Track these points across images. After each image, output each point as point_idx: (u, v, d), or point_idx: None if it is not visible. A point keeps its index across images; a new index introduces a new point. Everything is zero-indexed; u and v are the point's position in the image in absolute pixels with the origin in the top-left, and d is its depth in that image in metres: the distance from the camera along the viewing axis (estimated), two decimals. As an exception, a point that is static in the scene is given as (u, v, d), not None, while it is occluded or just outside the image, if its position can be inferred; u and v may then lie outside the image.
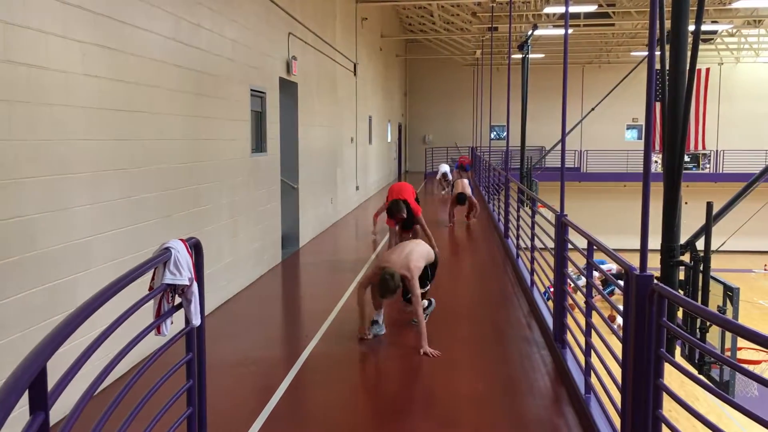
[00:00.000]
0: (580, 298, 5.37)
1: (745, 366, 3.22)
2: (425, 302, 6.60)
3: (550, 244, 6.55)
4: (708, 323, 6.82)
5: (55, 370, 1.89)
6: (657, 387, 3.16)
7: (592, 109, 22.70)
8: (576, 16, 22.53)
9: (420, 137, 35.64)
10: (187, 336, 3.25)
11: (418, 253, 6.26)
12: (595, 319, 4.61)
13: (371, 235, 12.52)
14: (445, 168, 20.81)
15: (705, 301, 7.02)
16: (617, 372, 3.69)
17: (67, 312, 3.99)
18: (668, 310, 3.19)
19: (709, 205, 7.06)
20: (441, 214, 15.19)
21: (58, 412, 2.21)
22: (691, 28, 6.81)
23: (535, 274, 7.86)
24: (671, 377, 4.71)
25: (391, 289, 5.74)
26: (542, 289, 7.64)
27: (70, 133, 4.53)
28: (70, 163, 4.54)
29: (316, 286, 9.01)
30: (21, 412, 1.76)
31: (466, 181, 14.53)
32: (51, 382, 1.84)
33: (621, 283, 3.70)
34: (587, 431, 4.20)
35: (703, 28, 11.94)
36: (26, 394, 1.70)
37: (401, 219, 9.20)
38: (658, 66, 7.31)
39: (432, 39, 30.60)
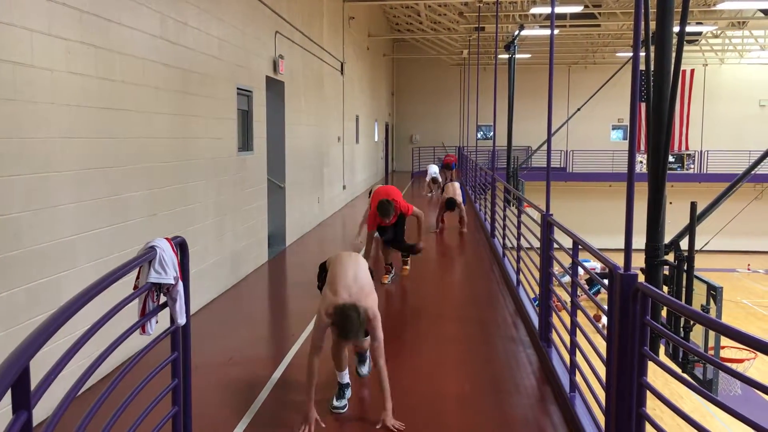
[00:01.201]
0: (565, 297, 5.40)
1: (728, 364, 3.25)
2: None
3: (536, 244, 6.57)
4: (692, 322, 6.88)
5: (38, 369, 1.88)
6: (641, 385, 3.19)
7: (578, 109, 22.82)
8: (562, 16, 22.63)
9: (407, 137, 35.66)
10: (172, 335, 3.24)
11: (369, 285, 4.50)
12: (581, 318, 4.64)
13: (357, 241, 12.17)
14: (434, 169, 19.62)
15: (689, 300, 7.08)
16: (602, 370, 3.71)
17: (51, 311, 3.97)
18: (652, 309, 3.21)
19: (693, 205, 7.12)
20: (428, 218, 14.70)
21: (42, 411, 2.20)
22: (676, 29, 6.87)
23: (521, 273, 7.89)
24: (655, 376, 4.75)
25: (355, 327, 4.12)
26: (528, 289, 7.66)
27: (55, 131, 4.50)
28: (55, 161, 4.51)
29: (303, 286, 9.00)
30: (4, 411, 1.75)
31: (457, 185, 13.25)
32: (34, 381, 1.82)
33: (606, 281, 3.73)
34: (572, 430, 4.22)
35: (688, 29, 12.03)
36: (9, 393, 1.69)
37: (388, 223, 8.16)
38: (642, 67, 7.35)
39: (419, 39, 30.63)
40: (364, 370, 5.07)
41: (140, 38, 5.71)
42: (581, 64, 33.89)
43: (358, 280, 4.39)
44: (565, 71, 33.40)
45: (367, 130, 22.95)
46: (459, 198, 12.82)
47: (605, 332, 3.62)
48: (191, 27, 6.87)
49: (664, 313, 7.25)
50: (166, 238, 3.11)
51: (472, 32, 23.51)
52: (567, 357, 4.68)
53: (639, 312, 3.19)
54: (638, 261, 4.68)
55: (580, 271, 4.78)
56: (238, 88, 8.47)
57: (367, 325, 4.30)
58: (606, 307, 3.59)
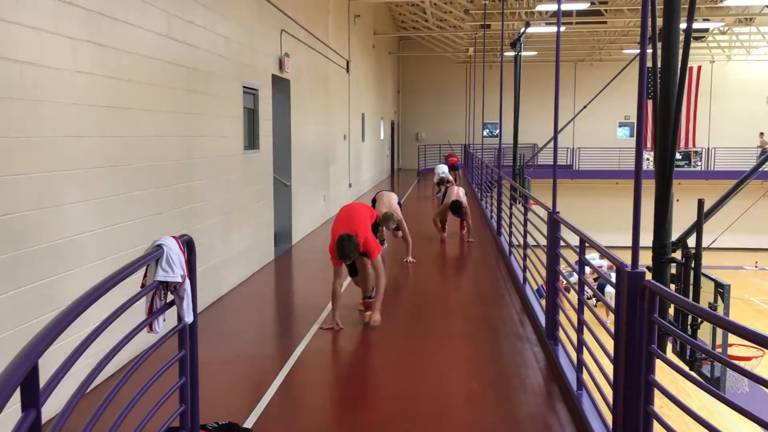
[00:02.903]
0: (572, 295, 5.39)
1: (736, 362, 3.24)
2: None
3: (543, 242, 6.57)
4: (699, 320, 6.85)
5: (47, 367, 1.89)
6: (648, 383, 3.18)
7: (585, 106, 22.71)
8: (568, 13, 22.56)
9: (413, 134, 35.62)
10: (179, 333, 3.25)
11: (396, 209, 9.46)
12: (587, 315, 4.63)
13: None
14: (442, 169, 17.97)
15: (696, 298, 7.05)
16: (609, 368, 3.70)
17: (59, 309, 3.99)
18: (659, 306, 3.20)
19: (701, 203, 7.09)
20: (432, 225, 12.85)
21: (50, 409, 2.21)
22: (683, 26, 6.83)
23: (527, 271, 7.88)
24: (663, 373, 4.74)
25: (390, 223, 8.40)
26: (535, 287, 7.65)
27: (61, 130, 4.51)
28: (62, 160, 4.53)
29: (309, 283, 9.01)
30: (13, 409, 1.76)
31: (462, 190, 12.14)
32: (43, 379, 1.83)
33: (613, 279, 3.72)
34: (579, 427, 4.21)
35: (695, 26, 11.96)
36: (18, 391, 1.70)
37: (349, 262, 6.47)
38: (649, 64, 7.32)
39: (425, 36, 30.59)
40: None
41: (146, 37, 5.72)
42: (588, 61, 33.77)
43: (390, 204, 9.60)
44: (572, 68, 33.29)
45: (372, 128, 22.94)
46: (464, 200, 11.77)
47: (612, 329, 3.61)
48: (197, 25, 6.88)
49: (671, 310, 7.22)
50: (173, 237, 3.12)
51: (478, 30, 23.46)
52: (574, 355, 4.68)
53: (646, 310, 3.18)
54: (645, 259, 4.67)
55: (587, 268, 4.76)
56: (244, 87, 8.48)
57: (400, 224, 9.39)
58: (613, 304, 3.58)
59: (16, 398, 1.70)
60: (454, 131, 34.20)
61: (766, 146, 31.90)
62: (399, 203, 10.01)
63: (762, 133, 32.42)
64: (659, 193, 6.78)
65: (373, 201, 9.94)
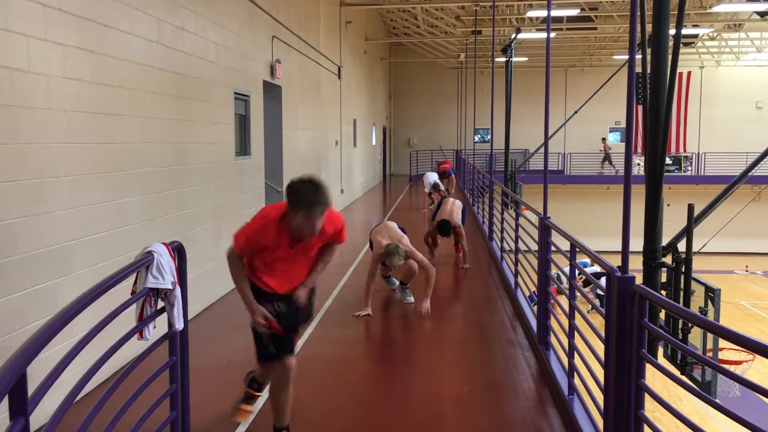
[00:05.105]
0: (564, 300, 5.40)
1: (727, 366, 3.25)
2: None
3: (534, 247, 6.58)
4: (690, 324, 6.88)
5: (35, 375, 1.88)
6: (639, 388, 3.19)
7: (575, 112, 22.85)
8: (559, 19, 22.68)
9: (405, 140, 35.68)
10: (170, 340, 3.24)
11: (401, 235, 7.49)
12: (579, 321, 4.64)
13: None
14: (433, 177, 16.91)
15: (687, 303, 7.08)
16: (600, 373, 3.71)
17: (48, 316, 3.96)
18: (650, 311, 3.21)
19: (691, 207, 7.13)
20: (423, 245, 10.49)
21: (39, 418, 2.19)
22: (672, 31, 6.88)
23: (519, 276, 7.90)
24: (654, 378, 4.76)
25: (396, 255, 7.03)
26: (527, 293, 7.66)
27: (51, 137, 4.50)
28: (52, 166, 4.51)
29: (301, 290, 8.98)
30: (1, 418, 1.75)
31: (458, 203, 10.20)
32: (32, 387, 1.82)
33: (603, 283, 3.73)
34: (571, 432, 4.22)
35: (684, 31, 12.03)
36: (6, 399, 1.69)
37: None
38: (639, 69, 7.37)
39: (416, 42, 30.66)
40: (394, 285, 8.09)
41: (137, 43, 5.71)
42: (578, 67, 33.94)
43: (393, 234, 7.36)
44: (562, 74, 33.45)
45: (364, 133, 22.96)
46: (457, 219, 9.83)
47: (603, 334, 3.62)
48: (188, 32, 6.87)
49: (662, 315, 7.25)
50: (164, 243, 3.11)
51: (469, 36, 23.56)
52: (565, 360, 4.68)
53: (637, 314, 3.19)
54: (636, 263, 4.68)
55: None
56: (235, 93, 8.47)
57: (410, 255, 7.20)
58: (604, 309, 3.59)
59: (4, 406, 1.70)
60: (446, 137, 34.28)
61: (609, 151, 32.62)
62: (402, 229, 7.67)
63: (604, 139, 33.43)
64: (649, 198, 6.82)
65: (370, 244, 7.69)
